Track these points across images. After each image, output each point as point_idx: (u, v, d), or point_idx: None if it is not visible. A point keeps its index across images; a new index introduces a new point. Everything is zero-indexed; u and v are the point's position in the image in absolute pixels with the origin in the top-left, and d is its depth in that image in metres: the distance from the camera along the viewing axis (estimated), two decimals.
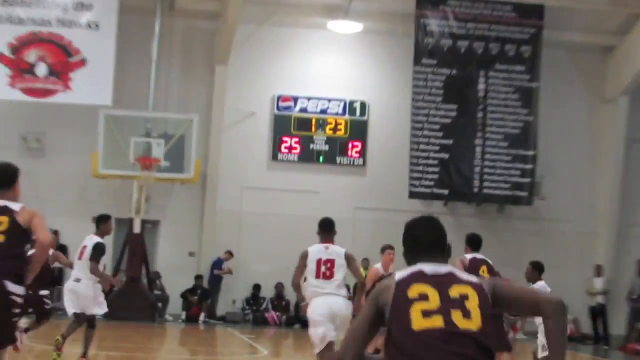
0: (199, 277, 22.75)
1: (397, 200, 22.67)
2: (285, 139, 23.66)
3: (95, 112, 21.07)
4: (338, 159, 23.92)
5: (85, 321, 11.48)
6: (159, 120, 22.11)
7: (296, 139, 23.61)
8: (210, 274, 22.89)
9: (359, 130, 24.00)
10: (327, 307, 9.60)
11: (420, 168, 23.21)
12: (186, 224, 22.92)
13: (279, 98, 23.79)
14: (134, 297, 20.96)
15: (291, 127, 23.71)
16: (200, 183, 22.48)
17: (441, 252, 4.28)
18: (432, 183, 23.27)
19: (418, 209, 22.10)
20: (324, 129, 23.65)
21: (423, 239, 4.27)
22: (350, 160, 24.01)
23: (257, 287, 23.23)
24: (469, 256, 11.45)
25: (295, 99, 23.78)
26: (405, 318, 3.96)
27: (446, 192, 23.42)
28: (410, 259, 4.29)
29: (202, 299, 22.49)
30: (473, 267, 11.03)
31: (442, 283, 4.08)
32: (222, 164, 23.04)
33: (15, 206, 6.75)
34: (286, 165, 23.65)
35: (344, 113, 23.95)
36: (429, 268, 4.17)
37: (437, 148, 23.20)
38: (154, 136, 21.59)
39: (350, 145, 23.92)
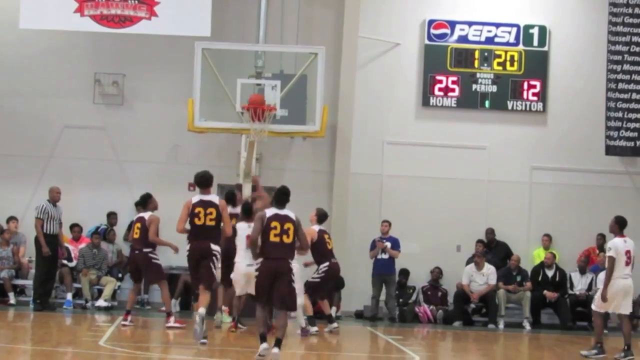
0: None
1: (589, 158, 21.52)
2: (439, 77, 21.97)
3: (190, 46, 19.66)
4: (509, 103, 21.98)
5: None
6: (272, 55, 20.84)
7: (453, 78, 21.93)
8: None
9: (536, 65, 22.07)
10: None
11: (620, 114, 21.36)
12: (310, 192, 21.59)
13: (430, 23, 21.97)
14: None
15: (447, 62, 21.95)
16: (328, 137, 21.13)
17: (285, 203, 11.96)
18: (635, 134, 21.33)
19: (617, 169, 21.49)
20: (490, 63, 21.93)
21: (278, 197, 11.97)
22: (525, 105, 21.98)
23: (404, 273, 20.90)
24: None
25: (452, 25, 21.99)
26: (268, 235, 11.69)
27: None
28: (274, 205, 11.97)
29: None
30: None
31: (282, 219, 11.75)
32: (357, 112, 21.66)
33: (217, 200, 13.97)
34: (441, 113, 21.95)
35: (516, 42, 22.07)
36: (279, 211, 11.85)
37: None
38: (266, 76, 20.39)
39: (525, 85, 22.00)
